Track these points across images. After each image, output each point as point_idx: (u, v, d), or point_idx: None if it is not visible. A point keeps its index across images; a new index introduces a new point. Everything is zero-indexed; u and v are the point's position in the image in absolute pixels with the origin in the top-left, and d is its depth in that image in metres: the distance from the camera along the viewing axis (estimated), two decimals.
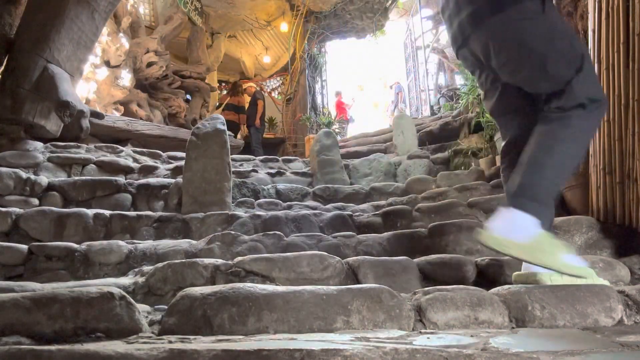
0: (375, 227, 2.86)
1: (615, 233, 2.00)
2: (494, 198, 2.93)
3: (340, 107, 13.19)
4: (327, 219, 2.91)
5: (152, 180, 3.54)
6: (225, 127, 3.26)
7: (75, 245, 2.12)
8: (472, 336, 1.02)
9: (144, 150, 4.73)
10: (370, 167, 5.11)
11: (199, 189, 3.01)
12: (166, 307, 1.20)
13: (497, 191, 3.27)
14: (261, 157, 5.52)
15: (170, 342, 0.95)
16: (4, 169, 3.13)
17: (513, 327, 1.21)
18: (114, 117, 5.55)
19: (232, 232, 2.32)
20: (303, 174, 4.84)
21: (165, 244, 2.26)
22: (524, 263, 1.53)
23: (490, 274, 1.76)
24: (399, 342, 0.95)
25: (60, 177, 3.52)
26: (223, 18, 10.51)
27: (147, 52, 7.09)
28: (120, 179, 3.40)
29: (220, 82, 12.04)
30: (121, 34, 6.52)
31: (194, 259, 1.73)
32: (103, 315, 1.03)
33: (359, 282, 1.66)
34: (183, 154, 3.56)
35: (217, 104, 10.69)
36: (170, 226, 2.79)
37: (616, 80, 2.00)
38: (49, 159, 3.76)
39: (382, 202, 3.51)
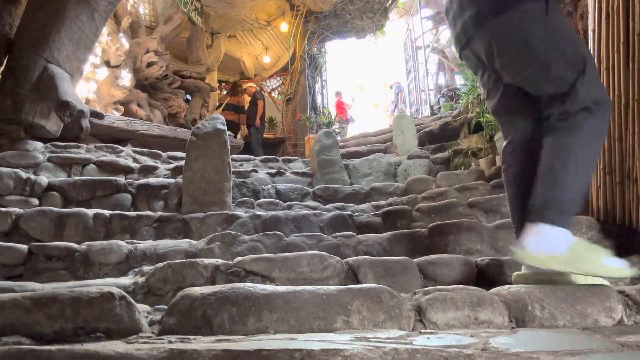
0: (375, 227, 2.86)
1: (615, 233, 2.00)
2: (494, 198, 2.93)
3: (340, 107, 13.19)
4: (327, 219, 2.91)
5: (152, 180, 3.54)
6: (225, 127, 3.26)
7: (75, 245, 2.12)
8: (472, 336, 1.02)
9: (144, 150, 4.73)
10: (370, 167, 5.11)
11: (199, 189, 3.01)
12: (166, 307, 1.20)
13: (497, 191, 3.27)
14: (261, 157, 5.52)
15: (170, 342, 0.95)
16: (4, 169, 3.13)
17: (513, 327, 1.21)
18: (114, 117, 5.55)
19: (232, 232, 2.32)
20: (303, 174, 4.84)
21: (165, 244, 2.26)
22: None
23: (490, 274, 1.76)
24: (399, 342, 0.95)
25: (60, 177, 3.52)
26: (223, 18, 10.51)
27: (147, 52, 7.09)
28: (120, 179, 3.40)
29: (220, 82, 12.04)
30: (121, 34, 6.52)
31: (194, 259, 1.73)
32: (103, 315, 1.03)
33: (359, 282, 1.66)
34: (183, 154, 3.56)
35: (217, 104, 10.68)
36: (170, 226, 2.79)
37: (616, 80, 2.00)
38: (49, 159, 3.76)
39: (382, 202, 3.52)
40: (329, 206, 3.45)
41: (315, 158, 4.73)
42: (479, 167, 4.51)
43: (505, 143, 1.66)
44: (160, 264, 1.72)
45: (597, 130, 1.40)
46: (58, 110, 3.94)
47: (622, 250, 1.91)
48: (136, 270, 1.93)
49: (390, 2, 10.84)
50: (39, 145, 3.87)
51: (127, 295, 1.11)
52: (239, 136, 8.03)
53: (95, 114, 4.79)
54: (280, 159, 5.55)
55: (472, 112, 5.59)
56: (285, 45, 11.13)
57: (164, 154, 4.74)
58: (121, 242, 2.19)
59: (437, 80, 12.87)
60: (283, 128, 10.83)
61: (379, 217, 2.95)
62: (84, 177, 3.53)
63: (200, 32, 9.14)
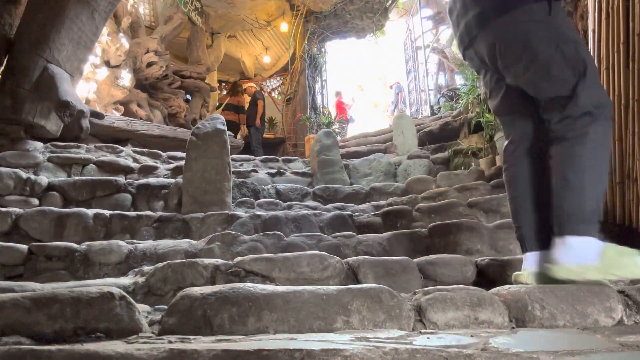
0: (375, 227, 2.86)
1: (615, 233, 1.99)
2: (494, 198, 2.93)
3: (340, 107, 13.20)
4: (327, 219, 2.91)
5: (152, 180, 3.54)
6: (225, 127, 3.26)
7: (75, 245, 2.12)
8: (472, 336, 1.02)
9: (144, 150, 4.73)
10: (370, 167, 5.11)
11: (199, 189, 3.01)
12: (166, 307, 1.20)
13: (497, 191, 3.27)
14: (261, 157, 5.52)
15: (170, 342, 0.95)
16: (4, 169, 3.13)
17: (513, 327, 1.21)
18: (114, 117, 5.55)
19: (232, 232, 2.32)
20: (303, 174, 4.84)
21: (165, 244, 2.26)
22: (524, 263, 1.54)
23: (490, 274, 1.76)
24: (399, 342, 0.95)
25: (60, 177, 3.52)
26: (223, 18, 10.51)
27: (147, 52, 7.09)
28: (120, 179, 3.40)
29: (220, 82, 12.04)
30: (121, 34, 6.52)
31: (194, 259, 1.73)
32: (103, 315, 1.03)
33: (359, 282, 1.66)
34: (183, 154, 3.56)
35: (217, 104, 10.68)
36: (170, 226, 2.79)
37: (616, 80, 2.00)
38: (49, 159, 3.76)
39: (382, 202, 3.52)
40: (329, 206, 3.45)
41: (315, 158, 4.73)
42: (479, 167, 4.51)
43: (506, 143, 1.66)
44: (160, 264, 1.72)
45: (603, 134, 1.40)
46: (58, 110, 3.94)
47: None
48: (136, 270, 1.93)
49: (390, 2, 10.84)
50: (39, 145, 3.87)
51: (127, 295, 1.11)
52: (239, 136, 8.03)
53: (95, 114, 4.80)
54: (280, 159, 5.55)
55: (472, 112, 5.59)
56: (285, 45, 11.13)
57: (164, 154, 4.74)
58: (121, 242, 2.19)
59: (437, 80, 12.87)
60: (283, 128, 10.83)
61: (379, 217, 2.95)
62: (84, 177, 3.53)
63: (200, 32, 9.14)
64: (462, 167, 4.84)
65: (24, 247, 2.07)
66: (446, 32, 12.52)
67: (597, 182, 1.38)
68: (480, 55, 1.61)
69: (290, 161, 5.55)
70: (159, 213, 2.93)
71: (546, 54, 1.42)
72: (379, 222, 2.92)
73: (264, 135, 9.19)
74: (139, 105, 6.92)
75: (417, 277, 1.73)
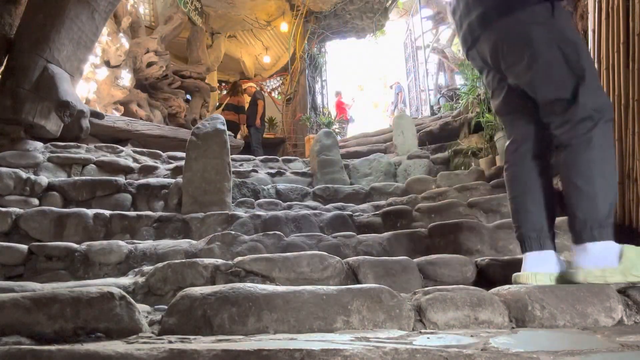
0: (375, 227, 2.86)
1: (615, 233, 1.99)
2: (494, 198, 2.93)
3: (340, 107, 13.20)
4: (327, 219, 2.91)
5: (152, 180, 3.54)
6: (225, 127, 3.26)
7: (75, 245, 2.12)
8: (472, 336, 1.02)
9: (144, 150, 4.73)
10: (370, 167, 5.11)
11: (199, 189, 3.01)
12: (166, 307, 1.20)
13: (497, 191, 3.27)
14: (261, 157, 5.52)
15: (170, 342, 0.95)
16: (4, 169, 3.13)
17: (513, 327, 1.21)
18: (114, 117, 5.55)
19: (232, 232, 2.32)
20: (303, 174, 4.84)
21: (165, 244, 2.26)
22: (524, 263, 1.54)
23: (490, 274, 1.76)
24: (399, 342, 0.95)
25: (60, 177, 3.52)
26: (223, 18, 10.51)
27: (147, 52, 7.09)
28: (120, 179, 3.40)
29: (220, 82, 12.04)
30: (121, 34, 6.52)
31: (194, 259, 1.73)
32: (103, 315, 1.03)
33: (359, 282, 1.66)
34: (183, 154, 3.56)
35: (217, 104, 10.68)
36: (170, 226, 2.79)
37: (616, 80, 2.00)
38: (49, 159, 3.76)
39: (382, 202, 3.52)
40: (329, 206, 3.45)
41: (315, 158, 4.73)
42: (479, 167, 4.51)
43: (508, 142, 1.67)
44: (160, 264, 1.72)
45: (606, 138, 1.40)
46: (58, 110, 3.94)
47: None
48: (136, 270, 1.93)
49: (390, 2, 10.84)
50: (39, 145, 3.87)
51: (127, 295, 1.11)
52: (239, 136, 8.03)
53: (95, 114, 4.79)
54: (280, 159, 5.55)
55: (472, 112, 5.58)
56: (285, 45, 11.13)
57: (164, 154, 4.74)
58: (121, 242, 2.19)
59: (437, 80, 12.87)
60: (283, 128, 10.83)
61: (379, 217, 2.95)
62: (84, 177, 3.53)
63: (200, 32, 9.14)
64: (462, 167, 4.84)
65: (24, 247, 2.07)
66: (446, 32, 12.52)
67: (607, 186, 1.39)
68: (483, 55, 1.62)
69: (290, 161, 5.55)
70: (159, 213, 2.93)
71: (547, 56, 1.43)
72: (379, 222, 2.92)
73: (264, 135, 9.19)
74: (139, 105, 6.92)
75: (417, 277, 1.73)
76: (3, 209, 2.54)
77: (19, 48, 3.91)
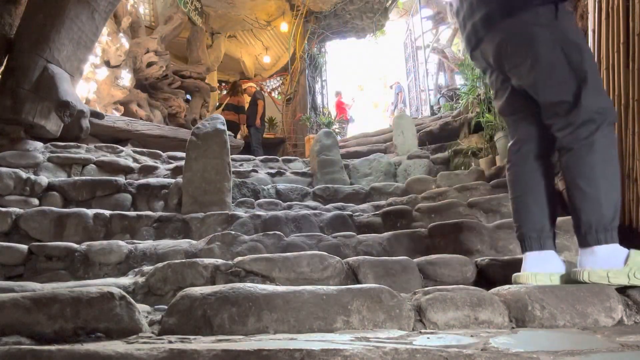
0: (375, 227, 2.86)
1: None
2: (494, 198, 2.93)
3: (340, 107, 13.20)
4: (327, 219, 2.91)
5: (152, 180, 3.54)
6: (225, 127, 3.26)
7: (75, 245, 2.12)
8: (472, 336, 1.02)
9: (144, 150, 4.73)
10: (370, 167, 5.11)
11: (199, 189, 3.01)
12: (166, 307, 1.20)
13: (497, 191, 3.27)
14: (261, 157, 5.52)
15: (170, 342, 0.95)
16: (4, 169, 3.13)
17: (513, 327, 1.21)
18: (114, 117, 5.55)
19: (232, 232, 2.32)
20: (303, 174, 4.84)
21: (165, 244, 2.26)
22: (524, 263, 1.54)
23: (490, 274, 1.76)
24: (399, 342, 0.95)
25: (60, 177, 3.52)
26: (223, 18, 10.51)
27: (147, 52, 7.09)
28: (120, 179, 3.40)
29: (220, 82, 12.04)
30: (121, 34, 6.52)
31: (194, 259, 1.73)
32: (103, 315, 1.03)
33: (359, 282, 1.66)
34: (183, 154, 3.56)
35: (217, 104, 10.68)
36: (170, 226, 2.79)
37: (616, 80, 2.00)
38: (49, 159, 3.76)
39: (382, 202, 3.52)
40: (329, 206, 3.45)
41: (315, 158, 4.73)
42: (479, 167, 4.51)
43: (511, 142, 1.67)
44: (160, 264, 1.72)
45: (609, 140, 1.40)
46: (58, 110, 3.94)
47: None
48: (136, 270, 1.93)
49: (390, 2, 10.84)
50: (39, 145, 3.87)
51: (127, 295, 1.11)
52: (239, 136, 8.03)
53: (95, 114, 4.79)
54: (280, 159, 5.55)
55: (472, 112, 5.58)
56: (285, 45, 11.13)
57: (164, 154, 4.74)
58: (121, 242, 2.19)
59: (437, 80, 12.87)
60: (283, 128, 10.83)
61: (379, 217, 2.95)
62: (84, 177, 3.53)
63: (200, 32, 9.14)
64: (462, 167, 4.84)
65: (24, 247, 2.07)
66: (446, 32, 12.52)
67: (611, 189, 1.39)
68: (487, 56, 1.62)
69: (290, 161, 5.55)
70: (159, 213, 2.93)
71: (550, 58, 1.43)
72: (379, 222, 2.92)
73: (264, 135, 9.19)
74: (139, 105, 6.92)
75: (417, 277, 1.73)
76: (3, 209, 2.54)
77: (19, 48, 3.91)
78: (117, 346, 0.86)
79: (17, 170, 3.19)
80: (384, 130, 8.64)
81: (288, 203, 3.56)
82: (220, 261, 1.74)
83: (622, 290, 1.33)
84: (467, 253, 2.12)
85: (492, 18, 1.53)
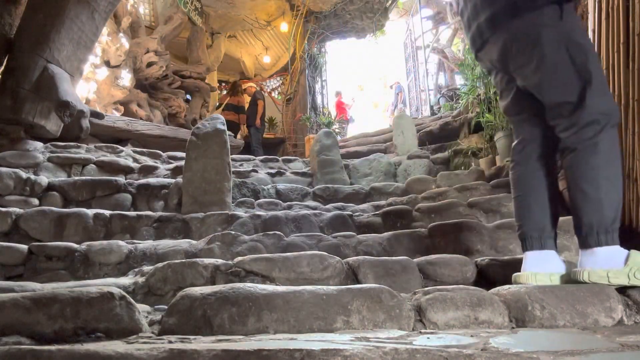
0: (375, 227, 2.86)
1: None
2: (494, 198, 2.93)
3: (340, 107, 13.20)
4: (327, 219, 2.91)
5: (152, 180, 3.54)
6: (225, 127, 3.26)
7: (75, 245, 2.12)
8: (472, 336, 1.02)
9: (144, 150, 4.73)
10: (370, 167, 5.11)
11: (199, 189, 3.01)
12: (166, 307, 1.20)
13: (497, 191, 3.27)
14: (261, 157, 5.52)
15: (170, 342, 0.95)
16: (4, 169, 3.13)
17: (513, 327, 1.21)
18: (114, 117, 5.55)
19: (232, 232, 2.32)
20: (303, 174, 4.84)
21: (165, 244, 2.26)
22: (524, 263, 1.54)
23: (490, 274, 1.76)
24: (399, 342, 0.95)
25: (60, 177, 3.52)
26: (223, 18, 10.51)
27: (147, 52, 7.09)
28: (120, 179, 3.40)
29: (220, 82, 12.04)
30: (121, 34, 6.52)
31: (194, 259, 1.73)
32: (103, 315, 1.03)
33: (359, 282, 1.66)
34: (183, 154, 3.56)
35: (217, 104, 10.68)
36: (170, 226, 2.79)
37: (616, 80, 2.00)
38: (49, 159, 3.76)
39: (382, 202, 3.52)
40: (329, 206, 3.45)
41: (315, 158, 4.73)
42: (479, 167, 4.51)
43: (515, 142, 1.67)
44: (160, 264, 1.72)
45: (612, 142, 1.40)
46: (58, 110, 3.94)
47: None
48: (136, 270, 1.93)
49: (390, 2, 10.84)
50: (39, 145, 3.87)
51: (127, 295, 1.11)
52: (239, 136, 8.03)
53: (95, 114, 4.79)
54: (280, 159, 5.55)
55: (472, 112, 5.58)
56: (285, 45, 11.13)
57: (164, 154, 4.74)
58: (121, 242, 2.19)
59: (437, 80, 12.87)
60: (283, 128, 10.83)
61: (379, 217, 2.95)
62: (84, 177, 3.53)
63: (200, 32, 9.14)
64: (462, 167, 4.84)
65: (24, 247, 2.07)
66: (446, 32, 12.52)
67: (613, 190, 1.39)
68: (492, 57, 1.63)
69: (290, 161, 5.55)
70: (159, 213, 2.93)
71: (554, 58, 1.43)
72: (379, 222, 2.92)
73: (264, 135, 9.19)
74: (139, 105, 6.92)
75: (417, 277, 1.73)
76: (3, 209, 2.54)
77: (19, 48, 3.91)
78: (117, 346, 0.86)
79: (17, 170, 3.19)
80: (384, 130, 8.64)
81: (288, 203, 3.56)
82: (220, 261, 1.74)
83: (622, 290, 1.33)
84: (467, 253, 2.12)
85: (497, 19, 1.53)
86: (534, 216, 1.55)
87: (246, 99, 8.76)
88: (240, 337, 1.04)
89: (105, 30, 5.88)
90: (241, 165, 5.01)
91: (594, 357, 0.83)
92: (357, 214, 3.06)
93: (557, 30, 1.44)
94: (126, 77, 6.58)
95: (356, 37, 11.48)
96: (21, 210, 2.58)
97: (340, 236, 2.37)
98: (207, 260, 1.72)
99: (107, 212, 2.72)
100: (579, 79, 1.40)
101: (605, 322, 1.21)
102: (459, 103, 6.59)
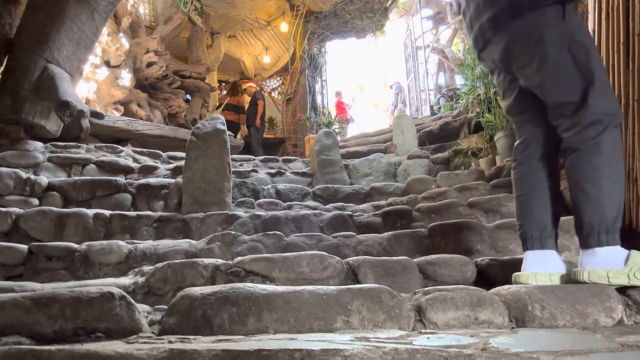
0: (375, 227, 2.86)
1: None
2: (494, 198, 2.93)
3: (340, 107, 13.20)
4: (327, 219, 2.91)
5: (152, 180, 3.54)
6: (225, 127, 3.26)
7: (75, 245, 2.12)
8: (472, 336, 1.02)
9: (144, 150, 4.73)
10: (370, 167, 5.11)
11: (199, 189, 3.01)
12: (166, 307, 1.20)
13: (497, 191, 3.27)
14: (261, 157, 5.52)
15: (170, 342, 0.95)
16: (4, 169, 3.13)
17: (513, 327, 1.21)
18: (114, 117, 5.55)
19: (232, 232, 2.32)
20: (303, 174, 4.84)
21: (165, 244, 2.26)
22: (524, 262, 1.54)
23: (490, 274, 1.76)
24: (399, 342, 0.95)
25: (60, 177, 3.52)
26: (223, 18, 10.51)
27: (147, 52, 7.09)
28: (120, 179, 3.40)
29: (220, 82, 12.04)
30: (121, 34, 6.52)
31: (194, 259, 1.73)
32: (103, 315, 1.03)
33: (359, 282, 1.66)
34: (183, 154, 3.56)
35: (217, 104, 10.68)
36: (170, 226, 2.79)
37: (616, 80, 2.00)
38: (49, 159, 3.76)
39: (382, 202, 3.52)
40: (329, 206, 3.45)
41: (315, 158, 4.73)
42: (479, 167, 4.51)
43: (517, 142, 1.67)
44: (160, 264, 1.72)
45: (615, 143, 1.40)
46: (58, 110, 3.94)
47: None
48: (136, 270, 1.93)
49: (390, 2, 10.84)
50: (39, 145, 3.87)
51: (127, 295, 1.11)
52: (239, 136, 8.03)
53: (95, 114, 4.79)
54: (280, 159, 5.55)
55: (472, 112, 5.58)
56: (285, 45, 11.13)
57: (164, 154, 4.74)
58: (121, 242, 2.19)
59: (437, 80, 12.87)
60: (283, 128, 10.83)
61: (379, 217, 2.95)
62: (84, 177, 3.53)
63: (200, 32, 9.14)
64: (462, 167, 4.84)
65: (24, 247, 2.07)
66: (446, 32, 12.52)
67: (615, 191, 1.39)
68: (494, 57, 1.63)
69: (290, 161, 5.55)
70: (159, 213, 2.93)
71: (557, 58, 1.43)
72: (379, 222, 2.92)
73: (264, 135, 9.19)
74: (139, 105, 6.92)
75: (417, 277, 1.73)
76: (3, 209, 2.54)
77: (19, 48, 3.91)
78: (117, 346, 0.86)
79: (17, 170, 3.19)
80: (384, 130, 8.64)
81: (288, 203, 3.56)
82: (220, 261, 1.74)
83: (622, 290, 1.33)
84: (467, 253, 2.12)
85: (499, 19, 1.53)
86: (535, 216, 1.55)
87: (246, 99, 8.76)
88: (240, 337, 1.04)
89: (105, 30, 5.89)
90: (241, 165, 5.01)
91: (594, 357, 0.83)
92: (357, 214, 3.06)
93: (559, 30, 1.44)
94: (126, 77, 6.58)
95: (356, 37, 11.48)
96: (21, 210, 2.58)
97: (340, 236, 2.37)
98: (207, 260, 1.72)
99: (107, 212, 2.72)
100: (581, 79, 1.40)
101: (605, 322, 1.21)
102: (459, 103, 6.59)
